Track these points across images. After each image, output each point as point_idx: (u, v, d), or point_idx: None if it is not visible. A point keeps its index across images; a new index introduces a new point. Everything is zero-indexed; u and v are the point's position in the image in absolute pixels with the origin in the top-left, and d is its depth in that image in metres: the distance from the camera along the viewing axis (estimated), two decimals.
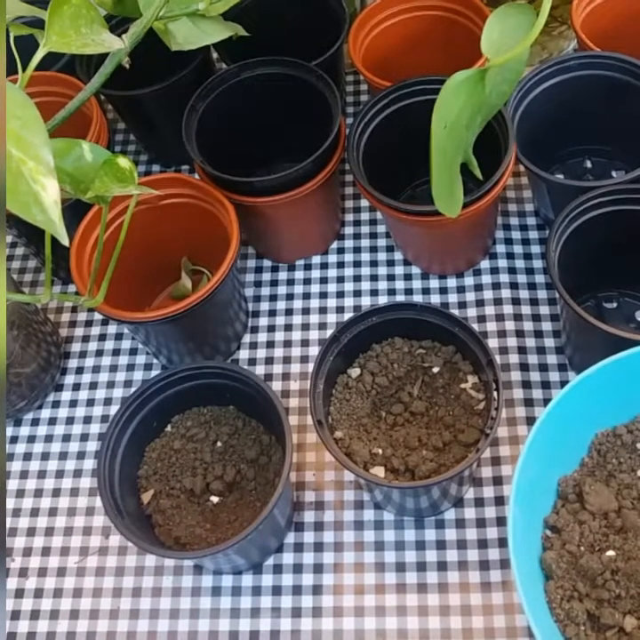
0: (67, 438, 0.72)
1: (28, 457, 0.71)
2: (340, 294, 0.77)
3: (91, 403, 0.74)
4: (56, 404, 0.74)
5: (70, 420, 0.73)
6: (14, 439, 0.72)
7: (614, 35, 0.77)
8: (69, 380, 0.75)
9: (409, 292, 0.76)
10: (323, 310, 0.76)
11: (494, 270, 0.75)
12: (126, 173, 0.53)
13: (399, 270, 0.78)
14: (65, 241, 0.43)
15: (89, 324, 0.78)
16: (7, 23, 0.61)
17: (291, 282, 0.78)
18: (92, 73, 0.59)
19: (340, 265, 0.79)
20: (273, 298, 0.78)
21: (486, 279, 0.75)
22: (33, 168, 0.42)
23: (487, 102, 0.56)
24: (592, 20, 0.77)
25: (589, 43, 0.73)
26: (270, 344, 0.75)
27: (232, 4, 0.68)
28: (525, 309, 0.73)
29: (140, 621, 0.63)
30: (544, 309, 0.73)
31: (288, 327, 0.76)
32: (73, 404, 0.74)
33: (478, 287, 0.75)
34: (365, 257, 0.79)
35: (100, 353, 0.76)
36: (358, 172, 0.68)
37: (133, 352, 0.76)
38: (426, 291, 0.76)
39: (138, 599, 0.64)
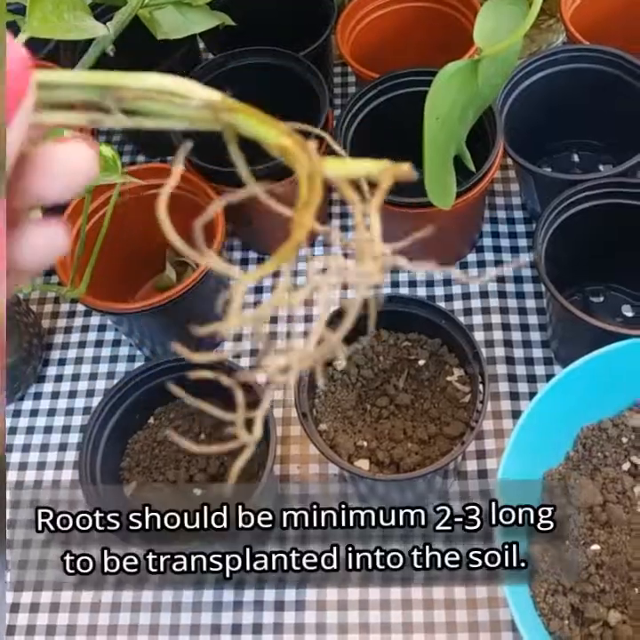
0: (48, 430, 0.71)
1: (8, 448, 0.71)
2: None
3: (73, 394, 0.73)
4: (38, 396, 0.73)
5: (52, 412, 0.72)
6: None
7: (603, 28, 0.76)
8: (51, 371, 0.74)
9: (395, 284, 0.76)
10: (308, 302, 0.75)
11: (481, 263, 0.75)
12: (109, 162, 0.53)
13: None
14: None
15: (71, 315, 0.78)
16: None
17: (276, 274, 0.77)
18: (76, 61, 0.58)
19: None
20: (258, 290, 0.77)
21: (473, 272, 0.75)
22: None
23: (480, 94, 0.56)
24: (581, 13, 0.77)
25: (578, 36, 0.73)
26: (254, 336, 0.74)
27: None
28: (511, 303, 0.73)
29: (121, 614, 0.62)
30: (530, 303, 0.73)
31: (273, 319, 0.75)
32: (55, 395, 0.73)
33: None
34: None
35: (82, 344, 0.76)
36: None
37: (116, 344, 0.75)
38: (412, 283, 0.75)
39: (120, 592, 0.63)
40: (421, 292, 0.75)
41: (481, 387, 0.57)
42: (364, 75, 0.74)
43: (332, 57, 0.86)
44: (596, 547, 0.54)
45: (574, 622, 0.52)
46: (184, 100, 0.25)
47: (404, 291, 0.75)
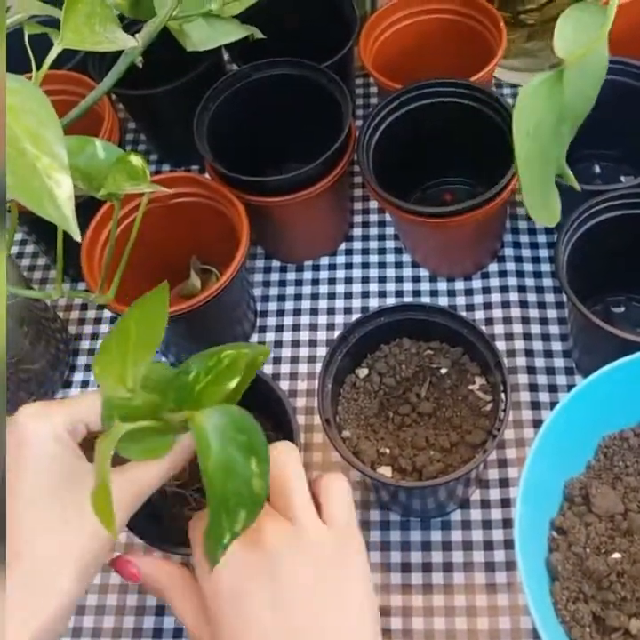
0: None
1: None
2: (348, 295, 0.77)
3: None
4: None
5: None
6: None
7: (625, 39, 0.76)
8: (78, 377, 0.75)
9: (417, 294, 0.76)
10: (331, 311, 0.76)
11: (502, 273, 0.76)
12: (138, 171, 0.54)
13: (407, 272, 0.78)
14: (77, 237, 0.43)
15: (98, 321, 0.79)
16: (22, 22, 0.61)
17: (299, 282, 0.79)
18: (105, 72, 0.60)
19: (349, 266, 0.79)
20: (281, 298, 0.78)
21: (494, 282, 0.75)
22: (48, 164, 0.42)
23: (570, 107, 0.55)
24: None
25: None
26: (278, 344, 0.75)
27: (248, 5, 0.68)
28: (533, 313, 0.73)
29: (145, 618, 0.63)
30: (551, 313, 0.73)
31: (296, 327, 0.76)
32: None
33: (486, 290, 0.75)
34: (374, 258, 0.79)
35: None
36: (368, 174, 0.68)
37: None
38: (434, 293, 0.76)
39: (144, 597, 0.64)
40: (443, 301, 0.75)
41: (503, 395, 0.57)
42: (387, 86, 0.75)
43: (355, 68, 0.87)
44: (617, 555, 0.54)
45: (596, 630, 0.52)
46: None
47: (425, 300, 0.75)
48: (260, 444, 0.40)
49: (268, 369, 0.73)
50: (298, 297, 0.78)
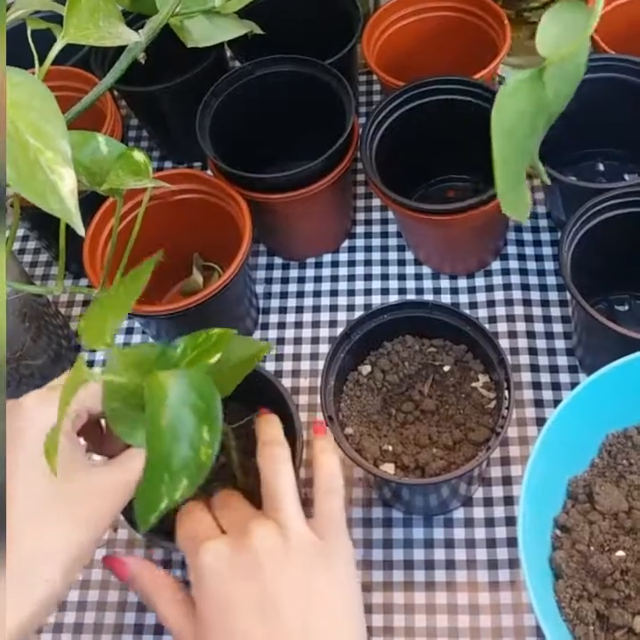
0: None
1: None
2: (351, 293, 0.77)
3: None
4: None
5: None
6: None
7: (628, 38, 0.77)
8: None
9: (420, 291, 0.76)
10: (333, 308, 0.76)
11: (505, 271, 0.75)
12: (141, 167, 0.54)
13: (410, 270, 0.78)
14: (81, 231, 0.43)
15: None
16: (25, 17, 0.61)
17: (301, 279, 0.79)
18: (107, 68, 0.59)
19: (351, 263, 0.79)
20: (283, 295, 0.78)
21: (497, 280, 0.75)
22: (50, 158, 0.42)
23: (547, 105, 0.55)
24: (606, 22, 0.77)
25: (603, 45, 0.73)
26: (280, 341, 0.75)
27: (247, 1, 0.68)
28: (536, 311, 0.73)
29: (147, 614, 0.63)
30: (555, 311, 0.73)
31: (298, 324, 0.76)
32: None
33: (489, 288, 0.75)
34: (376, 256, 0.79)
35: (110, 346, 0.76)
36: (371, 171, 0.68)
37: None
38: (437, 290, 0.76)
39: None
40: (446, 299, 0.75)
41: (506, 393, 0.57)
42: (390, 83, 0.75)
43: (358, 65, 0.87)
44: (620, 553, 0.54)
45: (599, 628, 0.52)
46: None
47: (428, 298, 0.75)
48: (215, 414, 0.39)
49: (270, 366, 0.73)
50: (300, 294, 0.78)
